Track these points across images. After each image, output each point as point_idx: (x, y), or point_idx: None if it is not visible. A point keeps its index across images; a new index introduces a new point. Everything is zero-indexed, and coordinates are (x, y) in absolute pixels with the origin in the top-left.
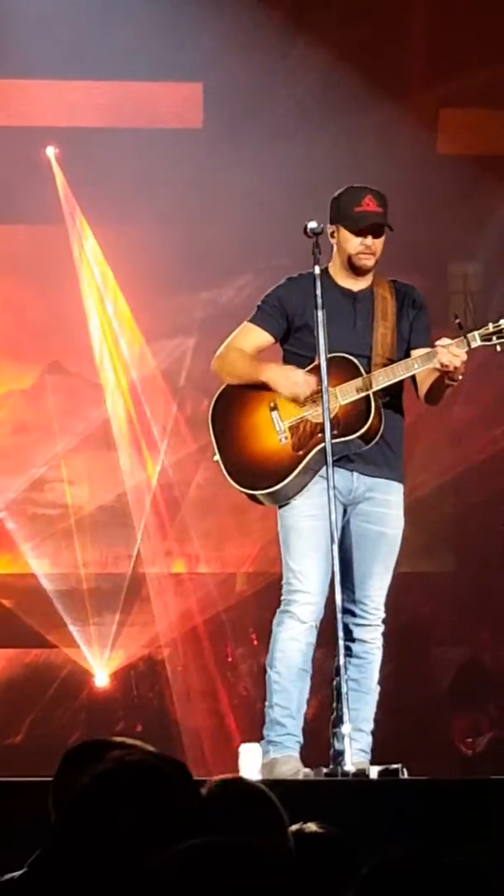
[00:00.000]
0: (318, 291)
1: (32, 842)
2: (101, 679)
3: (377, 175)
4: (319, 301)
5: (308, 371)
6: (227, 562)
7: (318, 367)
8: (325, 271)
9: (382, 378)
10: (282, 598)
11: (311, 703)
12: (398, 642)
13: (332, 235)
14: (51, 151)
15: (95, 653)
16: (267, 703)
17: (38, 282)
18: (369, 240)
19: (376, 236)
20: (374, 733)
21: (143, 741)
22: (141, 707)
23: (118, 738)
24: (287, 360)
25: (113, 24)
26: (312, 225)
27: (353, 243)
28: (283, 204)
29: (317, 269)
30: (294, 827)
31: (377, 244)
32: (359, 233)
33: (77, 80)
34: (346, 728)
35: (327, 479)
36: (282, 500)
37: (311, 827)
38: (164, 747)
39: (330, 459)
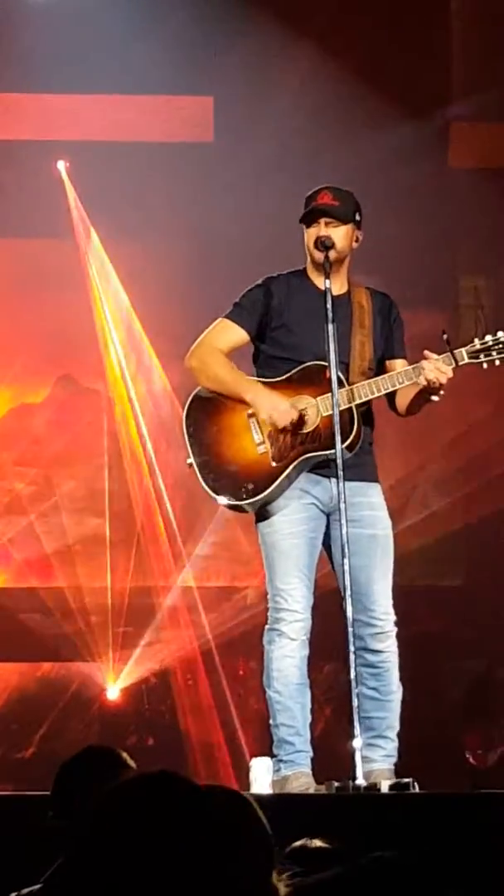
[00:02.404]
0: (329, 305)
1: (45, 855)
2: (113, 693)
3: (388, 188)
4: (330, 315)
5: (286, 383)
6: (238, 576)
7: (296, 376)
8: (302, 272)
9: (366, 391)
10: (269, 615)
11: (322, 716)
12: (410, 655)
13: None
14: (62, 165)
15: (107, 667)
16: (272, 723)
17: (50, 295)
18: (322, 229)
19: (327, 225)
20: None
21: (154, 755)
22: (153, 721)
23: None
24: (259, 359)
25: (124, 38)
26: (324, 238)
27: (310, 237)
28: (294, 217)
29: (327, 283)
30: (298, 843)
31: (334, 234)
32: (309, 224)
33: (88, 94)
34: (357, 742)
35: (338, 490)
36: (258, 509)
37: (317, 843)
38: (175, 761)
39: (340, 473)
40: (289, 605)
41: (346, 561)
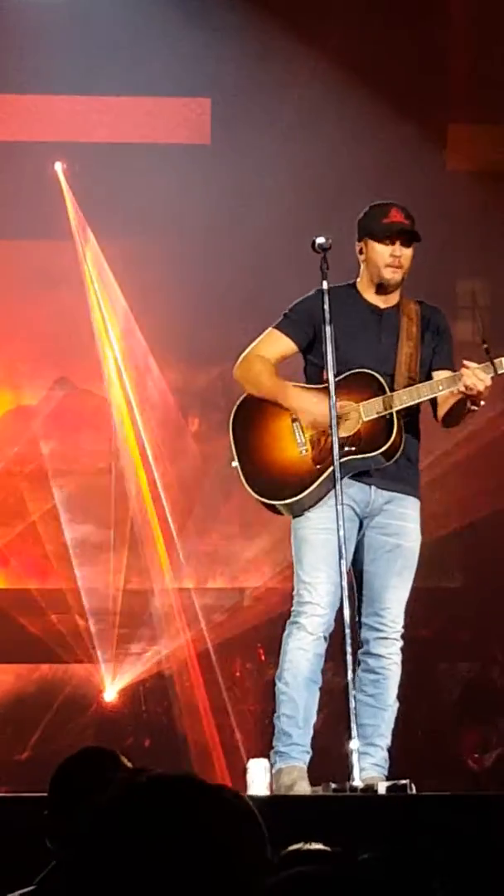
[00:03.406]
0: (327, 307)
1: (40, 857)
2: (110, 695)
3: (385, 191)
4: (328, 316)
5: (326, 391)
6: (235, 577)
7: (340, 382)
8: (352, 286)
9: (406, 398)
10: (292, 609)
11: (320, 717)
12: (407, 657)
13: (360, 252)
14: (59, 167)
15: (104, 669)
16: (275, 714)
17: (46, 297)
18: (398, 249)
19: (405, 245)
20: (389, 749)
21: (151, 757)
22: (149, 723)
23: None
24: (308, 370)
25: (121, 40)
26: (320, 240)
27: (383, 255)
28: (290, 219)
29: (325, 285)
30: (294, 847)
31: (406, 254)
32: (388, 242)
33: (85, 96)
34: (353, 744)
35: (335, 494)
36: (298, 512)
37: (314, 846)
38: (172, 763)
39: (338, 475)
40: (312, 598)
41: (342, 562)
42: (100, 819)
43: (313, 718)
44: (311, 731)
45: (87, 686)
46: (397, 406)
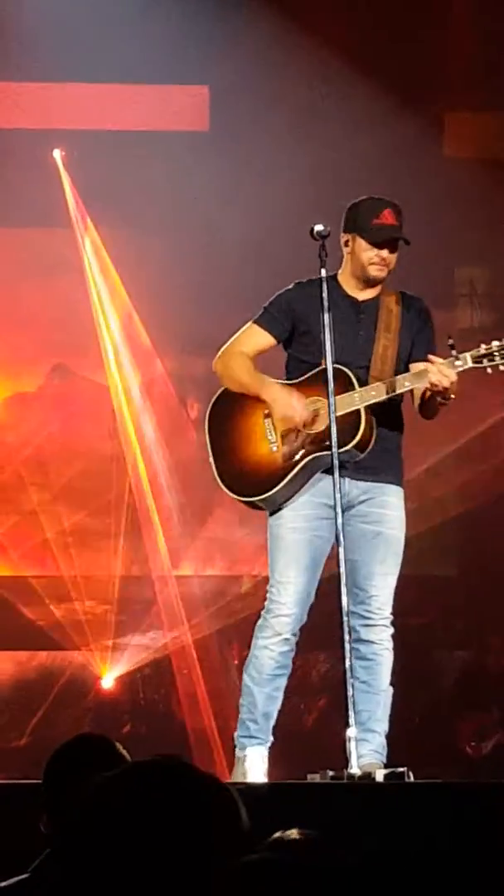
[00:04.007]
0: (325, 294)
1: (35, 845)
2: (108, 682)
3: (383, 178)
4: (326, 304)
5: (304, 384)
6: (234, 565)
7: (313, 378)
8: (333, 277)
9: (374, 394)
10: (265, 603)
11: (316, 706)
12: (403, 645)
13: (345, 244)
14: (57, 154)
15: (102, 656)
16: (240, 700)
17: (45, 284)
18: (385, 252)
19: (392, 250)
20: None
21: (149, 744)
22: (147, 710)
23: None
24: (290, 364)
25: (119, 26)
26: (319, 228)
27: (369, 255)
28: (289, 207)
29: (323, 273)
30: (276, 835)
31: (392, 258)
32: (376, 245)
33: (83, 83)
34: (351, 731)
35: (334, 485)
36: (271, 507)
37: (292, 834)
38: (169, 750)
39: (336, 462)
40: (280, 598)
41: (341, 549)
42: (83, 809)
43: (272, 713)
44: (272, 722)
45: (85, 673)
46: (364, 402)
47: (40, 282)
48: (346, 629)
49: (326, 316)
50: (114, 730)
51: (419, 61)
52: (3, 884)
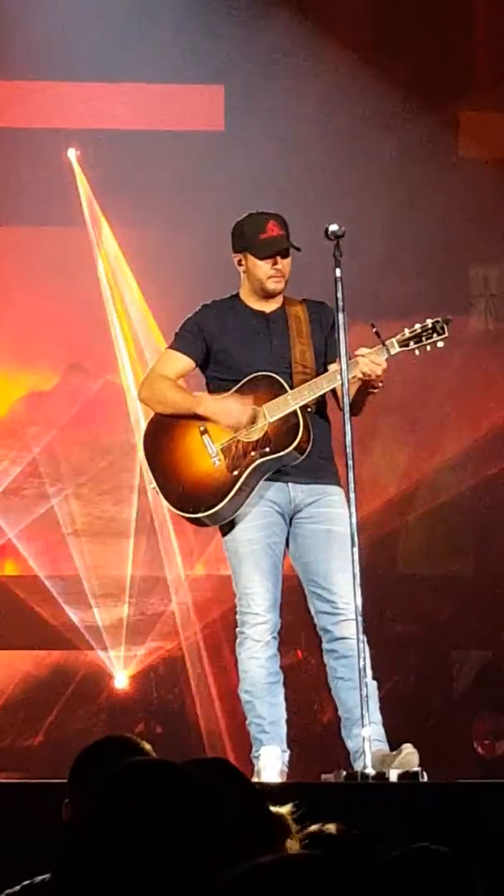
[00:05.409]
0: (340, 294)
1: (53, 844)
2: (121, 681)
3: (398, 177)
4: (341, 304)
5: (236, 392)
6: None
7: (244, 386)
8: (235, 297)
9: (307, 392)
10: (237, 618)
11: (330, 707)
12: (418, 645)
13: (239, 263)
14: (72, 153)
15: (115, 655)
16: (247, 721)
17: (60, 283)
18: (279, 263)
19: (284, 257)
20: (385, 726)
21: (162, 743)
22: (161, 709)
23: (135, 738)
24: (211, 386)
25: (134, 26)
26: (334, 227)
27: (264, 269)
28: (304, 207)
29: (338, 273)
30: (314, 827)
31: (286, 265)
32: (268, 258)
33: (98, 83)
34: (365, 731)
35: (349, 481)
36: (221, 520)
37: (331, 828)
38: (184, 749)
39: (350, 461)
40: (251, 608)
41: (355, 550)
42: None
43: (281, 717)
44: (283, 728)
45: (98, 672)
46: (299, 402)
47: (56, 281)
48: (359, 629)
49: (341, 316)
50: (127, 729)
51: (434, 61)
52: (28, 882)
